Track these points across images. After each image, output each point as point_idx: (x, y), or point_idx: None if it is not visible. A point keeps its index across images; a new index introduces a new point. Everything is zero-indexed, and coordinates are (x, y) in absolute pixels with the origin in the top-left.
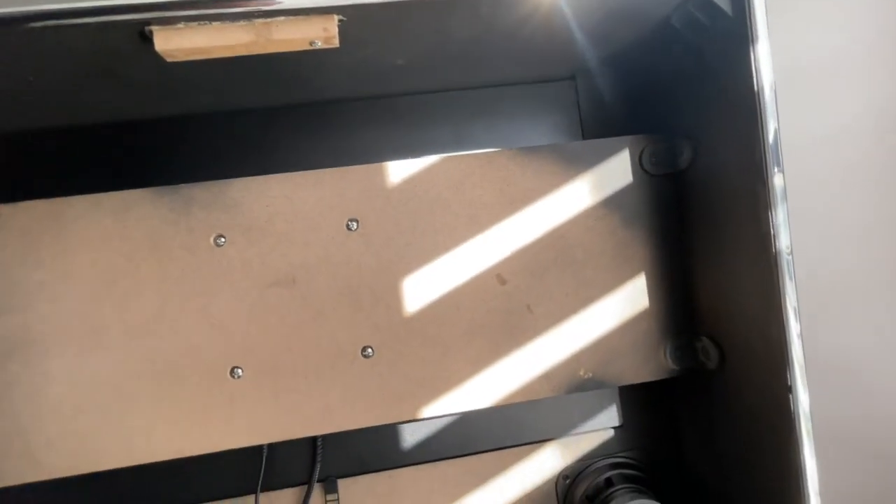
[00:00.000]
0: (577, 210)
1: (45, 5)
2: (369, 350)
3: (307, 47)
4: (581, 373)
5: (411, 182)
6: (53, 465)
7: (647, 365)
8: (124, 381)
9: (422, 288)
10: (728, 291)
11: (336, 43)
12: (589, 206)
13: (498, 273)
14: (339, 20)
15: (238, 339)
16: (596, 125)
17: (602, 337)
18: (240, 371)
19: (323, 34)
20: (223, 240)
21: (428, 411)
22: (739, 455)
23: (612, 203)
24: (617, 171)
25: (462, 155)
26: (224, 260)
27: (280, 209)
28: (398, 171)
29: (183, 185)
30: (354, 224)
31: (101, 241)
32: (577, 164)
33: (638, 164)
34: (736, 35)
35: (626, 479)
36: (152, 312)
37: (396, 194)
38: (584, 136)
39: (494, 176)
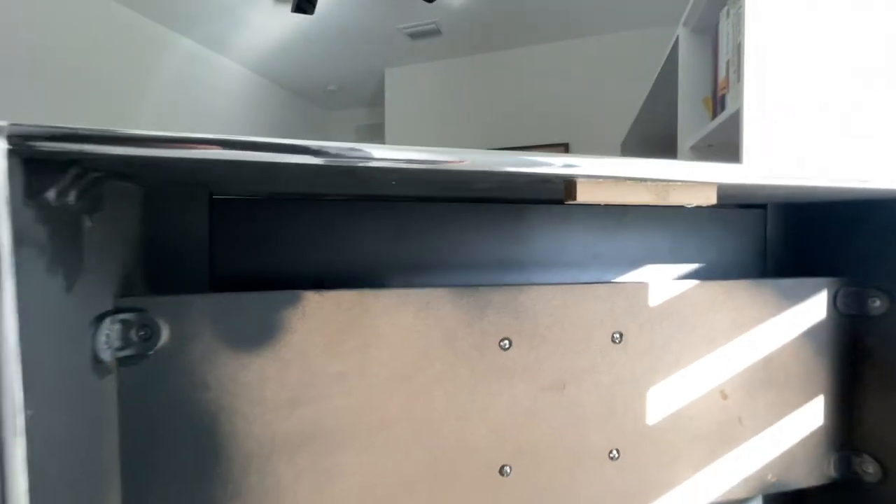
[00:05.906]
0: (784, 339)
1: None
2: (615, 452)
3: (685, 204)
4: (769, 477)
5: (670, 302)
6: None
7: (815, 472)
8: (405, 475)
9: (664, 399)
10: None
11: (714, 202)
12: (792, 337)
13: (722, 389)
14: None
15: (511, 438)
16: (783, 254)
17: (788, 448)
18: (508, 469)
19: (704, 200)
20: (507, 343)
21: None
22: None
23: (809, 335)
24: (814, 307)
25: (713, 283)
26: (508, 363)
27: (560, 318)
28: (661, 291)
29: (482, 287)
30: (619, 337)
31: (402, 337)
32: (790, 298)
33: (832, 304)
34: None
35: None
36: (439, 410)
37: (657, 312)
38: (767, 265)
39: (732, 304)
